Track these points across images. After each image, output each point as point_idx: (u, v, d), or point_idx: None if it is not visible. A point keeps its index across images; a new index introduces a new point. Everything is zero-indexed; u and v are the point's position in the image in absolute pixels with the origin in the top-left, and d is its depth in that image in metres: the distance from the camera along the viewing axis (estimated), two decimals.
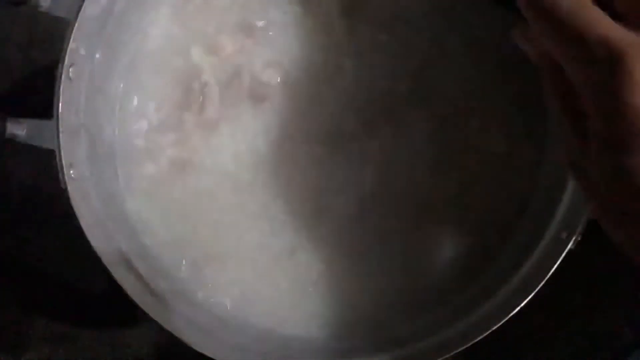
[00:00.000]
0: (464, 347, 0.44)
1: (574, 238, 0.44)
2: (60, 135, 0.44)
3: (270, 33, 0.52)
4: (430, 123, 0.51)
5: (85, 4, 0.44)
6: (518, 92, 0.52)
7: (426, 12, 0.51)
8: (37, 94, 0.57)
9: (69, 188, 0.44)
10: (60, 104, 0.44)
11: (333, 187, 0.51)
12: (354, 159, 0.51)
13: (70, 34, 0.44)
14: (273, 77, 0.52)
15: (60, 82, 0.44)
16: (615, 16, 0.30)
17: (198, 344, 0.44)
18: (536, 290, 0.43)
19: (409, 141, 0.51)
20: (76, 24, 0.44)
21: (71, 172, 0.44)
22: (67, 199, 0.44)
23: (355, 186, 0.51)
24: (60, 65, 0.44)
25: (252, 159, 0.52)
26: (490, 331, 0.43)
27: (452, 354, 0.44)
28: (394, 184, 0.51)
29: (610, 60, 0.29)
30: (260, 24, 0.52)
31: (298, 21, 0.52)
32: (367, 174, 0.51)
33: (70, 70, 0.44)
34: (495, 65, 0.51)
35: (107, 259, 0.44)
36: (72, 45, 0.44)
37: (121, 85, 0.52)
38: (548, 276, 0.43)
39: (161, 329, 0.43)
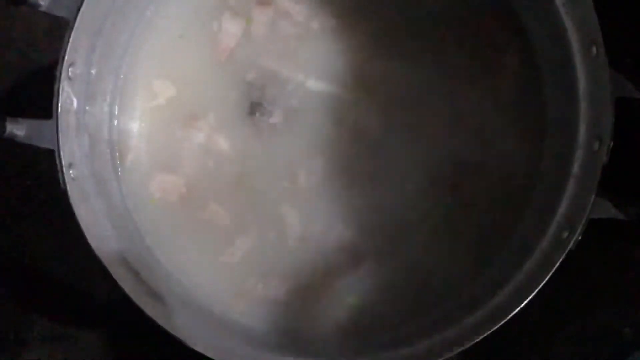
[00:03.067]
0: (464, 347, 0.44)
1: (574, 238, 0.44)
2: (60, 135, 0.44)
3: None
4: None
5: (84, 3, 0.44)
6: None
7: None
8: (37, 94, 0.57)
9: (69, 188, 0.44)
10: (59, 104, 0.44)
11: None
12: None
13: (70, 34, 0.44)
14: None
15: (60, 82, 0.44)
16: None
17: (198, 344, 0.44)
18: (536, 290, 0.43)
19: None
20: (76, 24, 0.44)
21: (71, 172, 0.44)
22: (67, 199, 0.43)
23: None
24: (60, 65, 0.44)
25: None
26: (490, 331, 0.43)
27: (452, 354, 0.44)
28: None
29: None
30: None
31: None
32: None
33: (70, 70, 0.44)
34: None
35: (107, 259, 0.44)
36: (72, 45, 0.44)
37: (121, 83, 0.52)
38: (548, 276, 0.43)
39: (161, 329, 0.43)
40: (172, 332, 0.44)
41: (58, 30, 0.45)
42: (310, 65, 0.52)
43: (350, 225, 0.52)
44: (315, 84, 0.52)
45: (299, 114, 0.52)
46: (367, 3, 0.52)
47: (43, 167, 0.57)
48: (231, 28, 0.52)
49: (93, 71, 0.48)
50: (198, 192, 0.52)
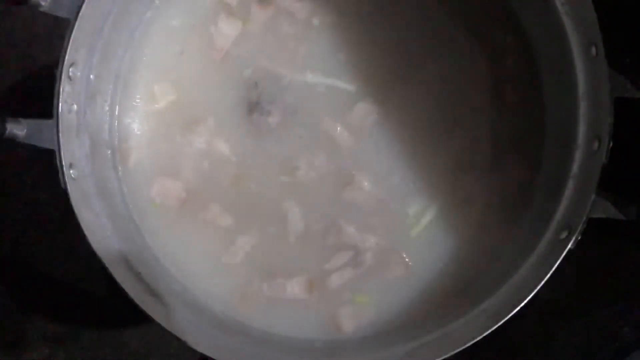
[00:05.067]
0: (464, 346, 0.44)
1: (574, 238, 0.44)
2: (60, 135, 0.44)
3: None
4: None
5: (85, 4, 0.44)
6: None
7: None
8: (37, 94, 0.57)
9: (69, 188, 0.44)
10: (60, 104, 0.44)
11: None
12: None
13: (70, 34, 0.44)
14: None
15: (60, 82, 0.44)
16: None
17: (198, 344, 0.44)
18: (536, 290, 0.43)
19: None
20: (76, 24, 0.44)
21: (71, 172, 0.44)
22: (67, 199, 0.43)
23: None
24: (60, 65, 0.44)
25: None
26: (490, 331, 0.43)
27: (451, 353, 0.44)
28: None
29: None
30: None
31: None
32: None
33: (70, 70, 0.44)
34: None
35: (107, 259, 0.44)
36: (72, 45, 0.44)
37: (121, 84, 0.52)
38: (548, 276, 0.43)
39: (161, 329, 0.43)
40: (173, 332, 0.43)
41: (58, 30, 0.45)
42: (308, 61, 0.53)
43: (353, 220, 0.52)
44: (313, 80, 0.52)
45: (297, 111, 0.52)
46: None
47: (43, 167, 0.57)
48: (228, 29, 0.52)
49: (93, 72, 0.48)
50: (199, 193, 0.52)
